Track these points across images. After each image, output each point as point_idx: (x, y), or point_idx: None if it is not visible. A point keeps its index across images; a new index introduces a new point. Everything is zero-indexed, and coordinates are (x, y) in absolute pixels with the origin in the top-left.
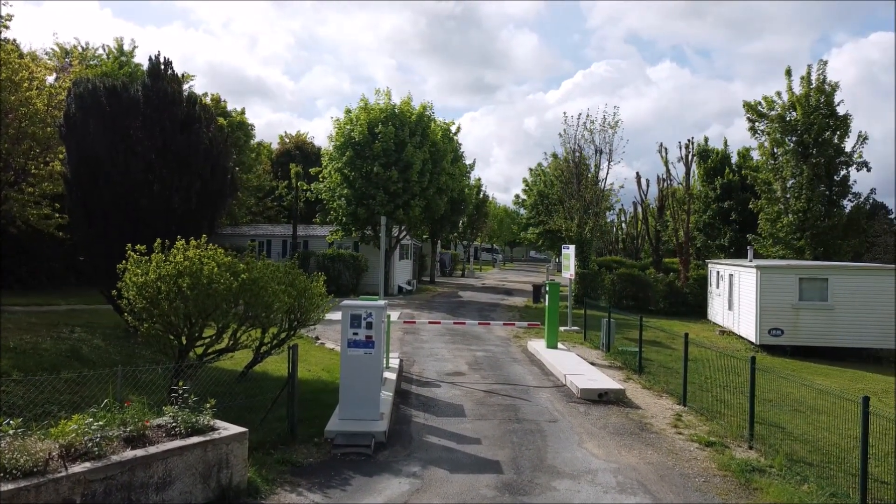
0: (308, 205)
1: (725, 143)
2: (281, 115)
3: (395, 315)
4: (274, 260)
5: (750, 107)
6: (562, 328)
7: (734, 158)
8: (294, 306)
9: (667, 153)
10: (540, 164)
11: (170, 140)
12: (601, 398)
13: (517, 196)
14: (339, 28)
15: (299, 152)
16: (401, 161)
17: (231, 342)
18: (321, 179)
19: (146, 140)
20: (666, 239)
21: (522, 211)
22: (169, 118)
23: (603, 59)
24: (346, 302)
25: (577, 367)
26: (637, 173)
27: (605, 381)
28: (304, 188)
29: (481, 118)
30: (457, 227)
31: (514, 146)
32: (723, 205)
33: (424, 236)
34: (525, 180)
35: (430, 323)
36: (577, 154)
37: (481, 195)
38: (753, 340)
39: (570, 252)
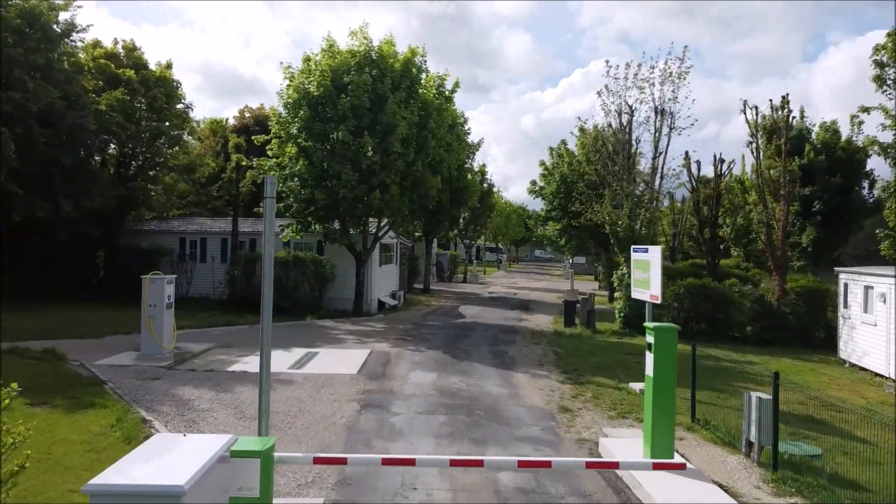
0: (260, 189)
1: (802, 114)
2: None
3: (357, 361)
4: (209, 264)
5: (882, 47)
6: (636, 385)
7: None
8: None
9: (756, 113)
10: (563, 143)
11: None
12: None
13: (533, 182)
14: (333, 28)
15: (259, 128)
16: (378, 124)
17: None
18: (269, 153)
19: None
20: (755, 234)
21: (538, 205)
22: None
23: (595, 58)
24: None
25: None
26: (686, 153)
27: None
28: (244, 163)
29: (479, 117)
30: (457, 223)
31: (511, 145)
32: (803, 192)
33: (417, 233)
34: (543, 163)
35: (411, 374)
36: (628, 116)
37: (485, 185)
38: None
39: (649, 258)
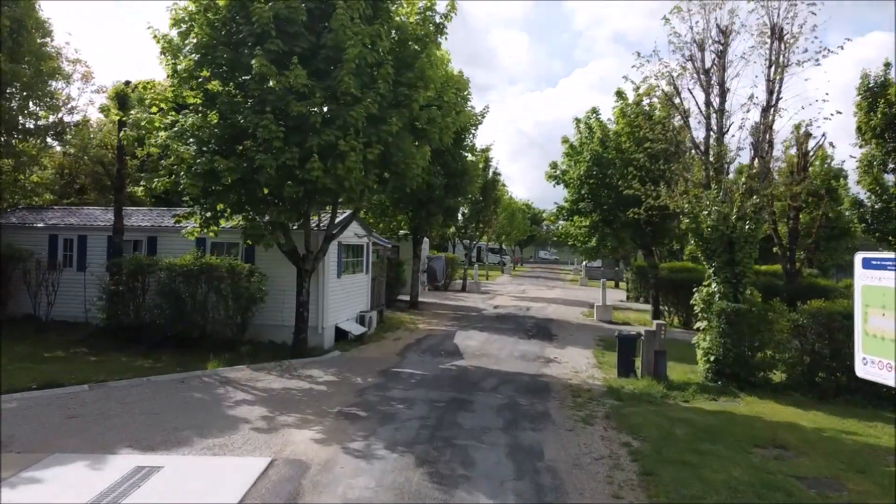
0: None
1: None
2: None
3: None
4: (86, 273)
5: None
6: None
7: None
8: None
9: None
10: (594, 111)
11: None
12: None
13: (553, 165)
14: None
15: None
16: (322, 49)
17: None
18: (147, 100)
19: None
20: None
21: (544, 202)
22: None
23: (592, 59)
24: None
25: None
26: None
27: None
28: (118, 117)
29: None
30: (454, 217)
31: (511, 145)
32: None
33: (402, 231)
34: (566, 139)
35: None
36: (719, 46)
37: (490, 173)
38: None
39: None
